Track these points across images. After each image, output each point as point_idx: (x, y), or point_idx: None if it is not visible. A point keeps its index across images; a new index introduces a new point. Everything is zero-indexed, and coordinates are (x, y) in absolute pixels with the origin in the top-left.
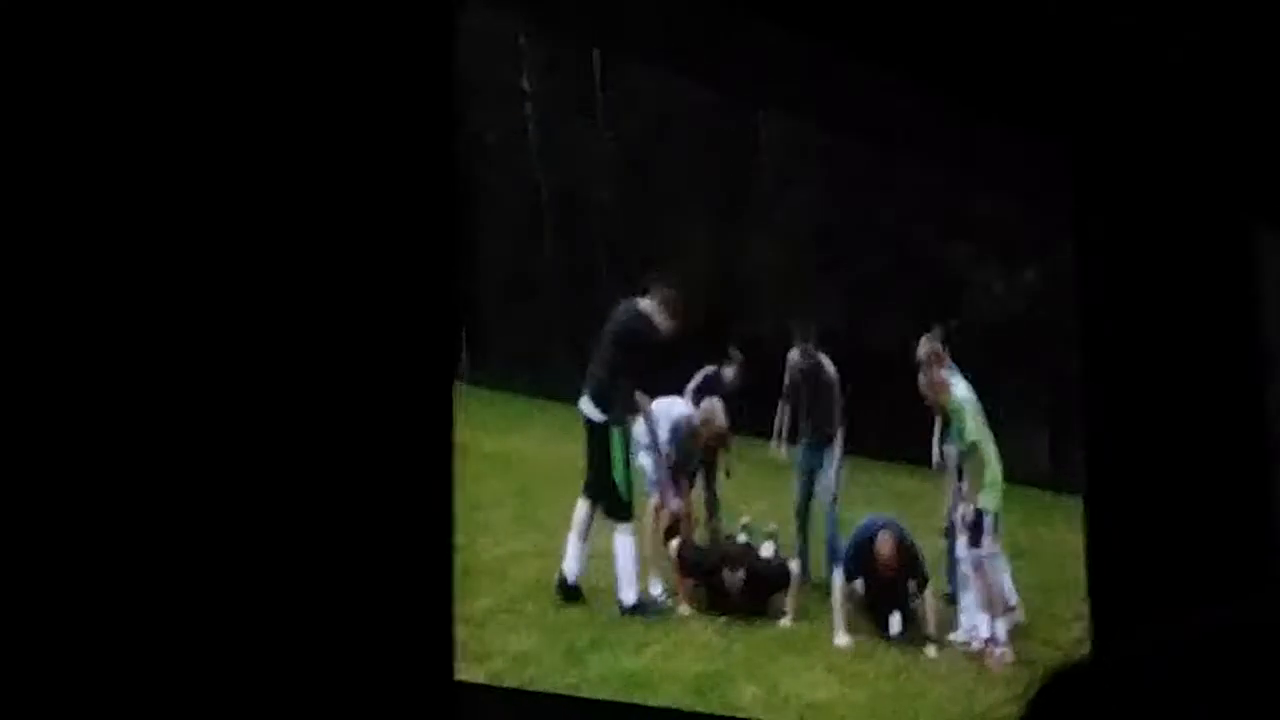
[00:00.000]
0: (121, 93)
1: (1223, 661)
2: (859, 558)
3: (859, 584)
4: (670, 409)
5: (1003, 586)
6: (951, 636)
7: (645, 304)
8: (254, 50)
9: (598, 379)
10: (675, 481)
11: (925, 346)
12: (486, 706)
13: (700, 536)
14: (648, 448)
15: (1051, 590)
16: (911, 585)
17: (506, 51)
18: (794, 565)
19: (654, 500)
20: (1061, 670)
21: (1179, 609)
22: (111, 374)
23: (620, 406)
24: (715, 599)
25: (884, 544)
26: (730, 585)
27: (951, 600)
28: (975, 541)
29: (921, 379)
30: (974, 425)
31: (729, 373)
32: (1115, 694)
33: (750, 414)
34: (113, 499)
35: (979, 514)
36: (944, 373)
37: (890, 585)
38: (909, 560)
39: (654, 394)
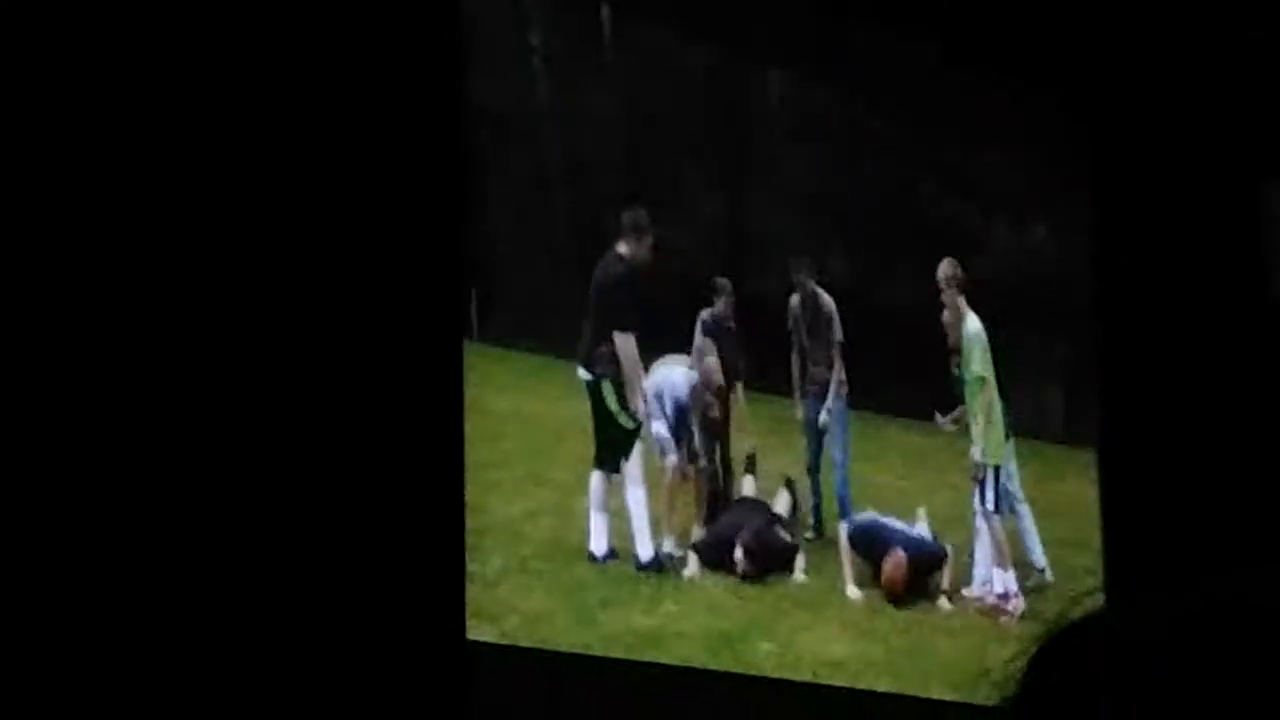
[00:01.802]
0: (130, 71)
1: (1223, 632)
2: (868, 555)
3: (866, 548)
4: (672, 379)
5: (1022, 543)
6: (965, 591)
7: (619, 246)
8: (261, 16)
9: (586, 340)
10: (688, 442)
11: (946, 269)
12: (499, 666)
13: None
14: (658, 415)
15: (1065, 544)
16: (928, 583)
17: (516, 11)
18: (808, 524)
19: (670, 460)
20: (1062, 629)
21: (1191, 565)
22: (118, 349)
23: (605, 360)
24: (724, 540)
25: (892, 568)
26: (736, 508)
27: (972, 555)
28: (983, 496)
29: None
30: (982, 360)
31: (720, 305)
32: (1115, 656)
33: (760, 369)
34: (129, 475)
35: (982, 468)
36: (961, 299)
37: (896, 533)
38: (919, 576)
39: (654, 352)
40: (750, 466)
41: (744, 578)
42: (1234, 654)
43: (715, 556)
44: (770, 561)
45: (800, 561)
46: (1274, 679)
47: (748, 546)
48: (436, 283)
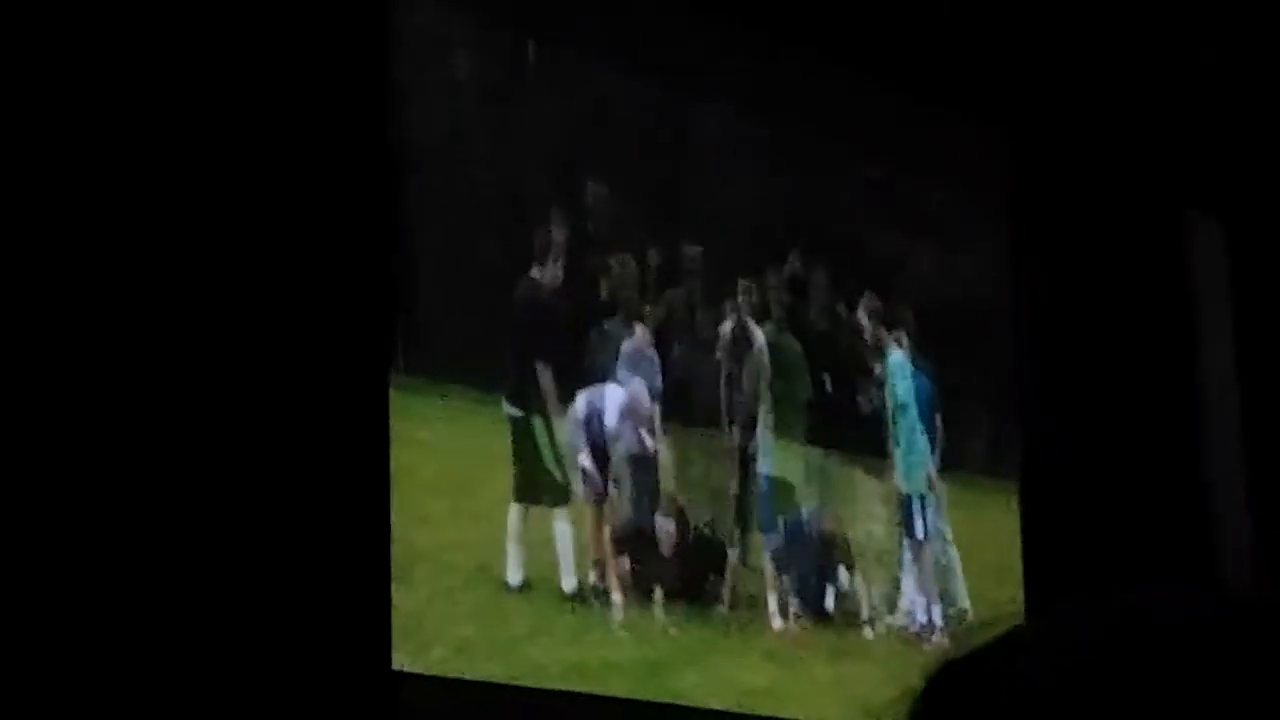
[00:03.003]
0: (58, 106)
1: (1102, 655)
2: (791, 549)
3: (790, 577)
4: (600, 404)
5: (945, 577)
6: (889, 619)
7: (533, 270)
8: (187, 43)
9: (512, 375)
10: (609, 474)
11: (869, 302)
12: (424, 696)
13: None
14: (582, 445)
15: (988, 576)
16: (841, 569)
17: (442, 43)
18: (732, 553)
19: (592, 493)
20: (947, 663)
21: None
22: (51, 369)
23: (535, 395)
24: (649, 570)
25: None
26: (662, 537)
27: (897, 585)
28: (910, 525)
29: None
30: (904, 389)
31: (639, 335)
32: (994, 687)
33: (691, 403)
34: (48, 495)
35: (907, 499)
36: (885, 332)
37: (820, 562)
38: (837, 536)
39: (579, 381)
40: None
41: (676, 551)
42: (1113, 684)
43: (638, 545)
44: (699, 544)
45: (725, 592)
46: (1153, 708)
47: (669, 513)
48: (362, 314)
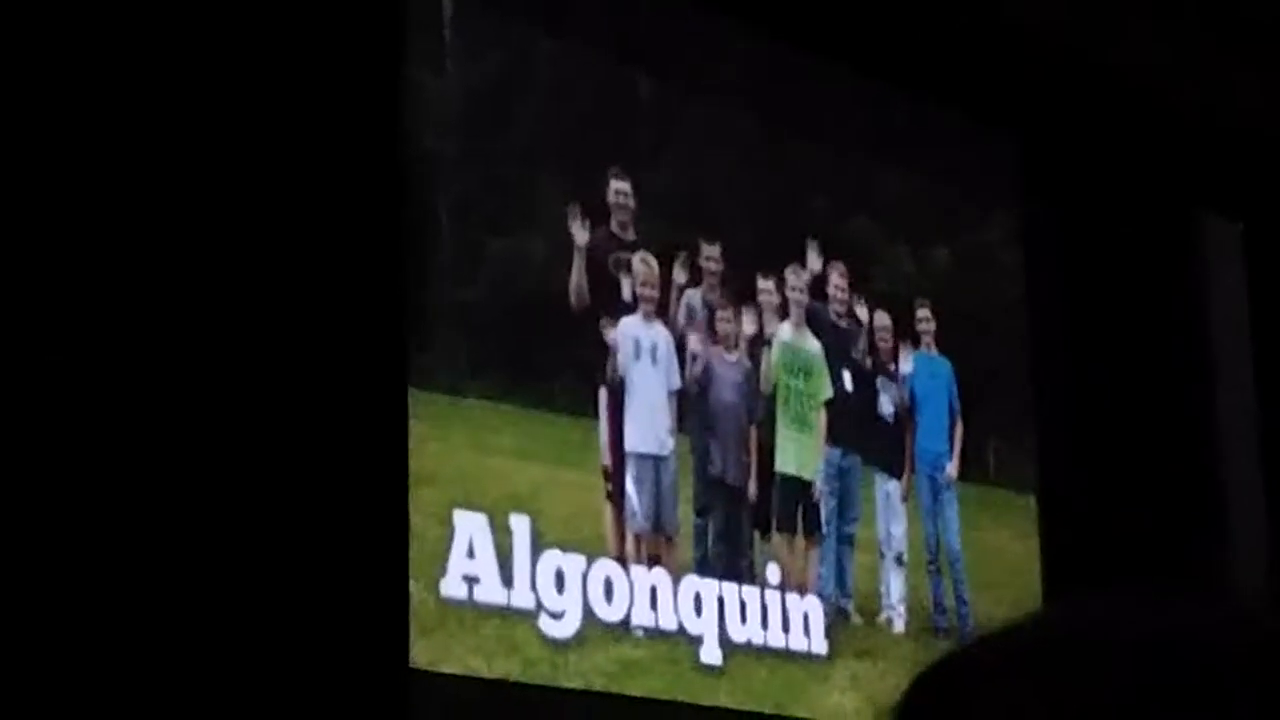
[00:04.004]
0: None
1: (1080, 659)
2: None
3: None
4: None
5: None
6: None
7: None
8: (191, 45)
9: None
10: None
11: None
12: (441, 694)
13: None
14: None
15: (1006, 576)
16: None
17: (458, 40)
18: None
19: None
20: (936, 662)
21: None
22: (70, 375)
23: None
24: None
25: None
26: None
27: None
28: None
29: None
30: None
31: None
32: (980, 686)
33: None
34: (77, 484)
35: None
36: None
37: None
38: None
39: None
40: None
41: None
42: (1091, 681)
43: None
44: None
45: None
46: (1128, 706)
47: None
48: (381, 314)
